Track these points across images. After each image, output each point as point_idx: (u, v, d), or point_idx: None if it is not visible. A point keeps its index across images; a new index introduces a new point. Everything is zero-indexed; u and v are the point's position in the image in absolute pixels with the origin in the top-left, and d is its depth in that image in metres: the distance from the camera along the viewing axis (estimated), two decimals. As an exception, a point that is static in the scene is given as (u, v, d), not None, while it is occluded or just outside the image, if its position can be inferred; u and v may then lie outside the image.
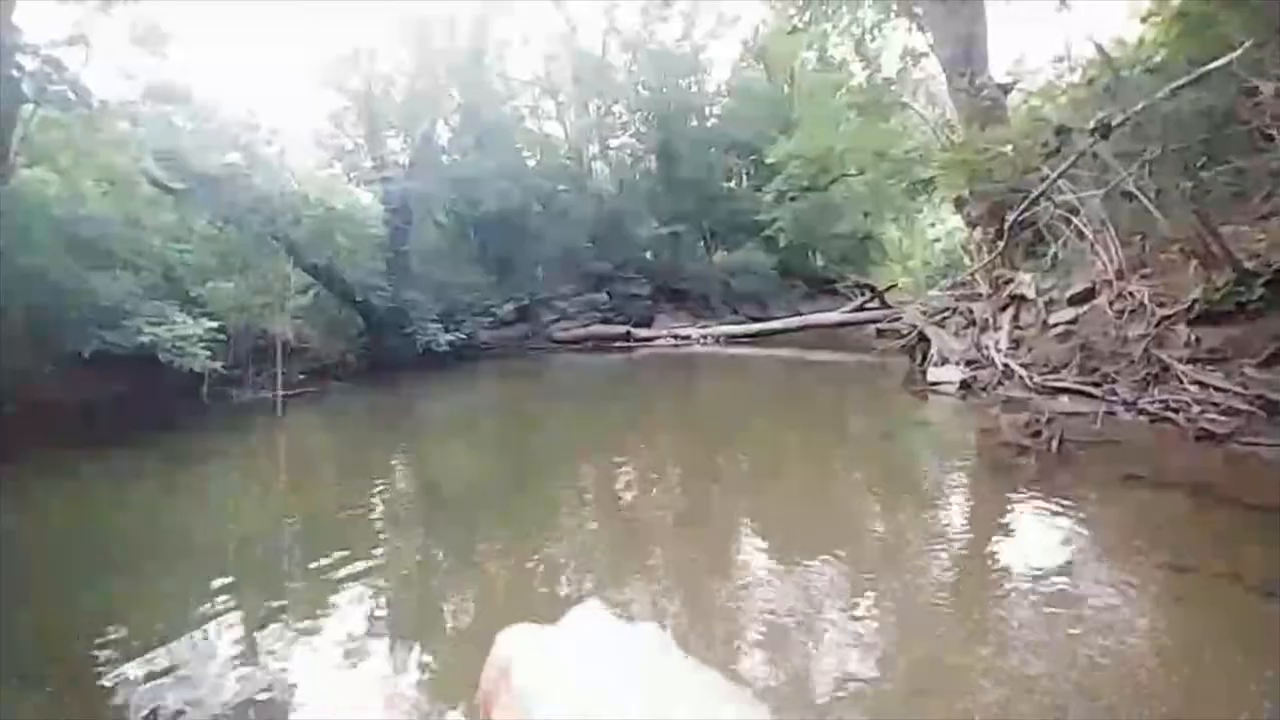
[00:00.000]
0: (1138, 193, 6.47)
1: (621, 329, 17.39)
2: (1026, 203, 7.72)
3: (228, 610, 3.26)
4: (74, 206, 8.40)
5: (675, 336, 16.98)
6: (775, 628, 2.87)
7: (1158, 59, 6.92)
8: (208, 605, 3.29)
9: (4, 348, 6.99)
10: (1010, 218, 8.34)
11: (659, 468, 5.95)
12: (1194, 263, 6.32)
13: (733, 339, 16.25)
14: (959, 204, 10.77)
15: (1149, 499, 4.15)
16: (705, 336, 16.54)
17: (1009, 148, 7.63)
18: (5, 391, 6.82)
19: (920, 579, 3.31)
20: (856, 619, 2.93)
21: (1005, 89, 10.24)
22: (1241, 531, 3.62)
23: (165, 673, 2.71)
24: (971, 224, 10.44)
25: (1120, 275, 6.94)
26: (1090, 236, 7.37)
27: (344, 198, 12.89)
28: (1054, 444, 5.18)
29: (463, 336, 13.84)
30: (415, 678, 2.72)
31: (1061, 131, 6.49)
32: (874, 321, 13.69)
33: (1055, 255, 8.28)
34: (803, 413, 8.19)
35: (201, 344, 8.22)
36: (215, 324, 8.62)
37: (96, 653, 2.90)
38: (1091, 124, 5.92)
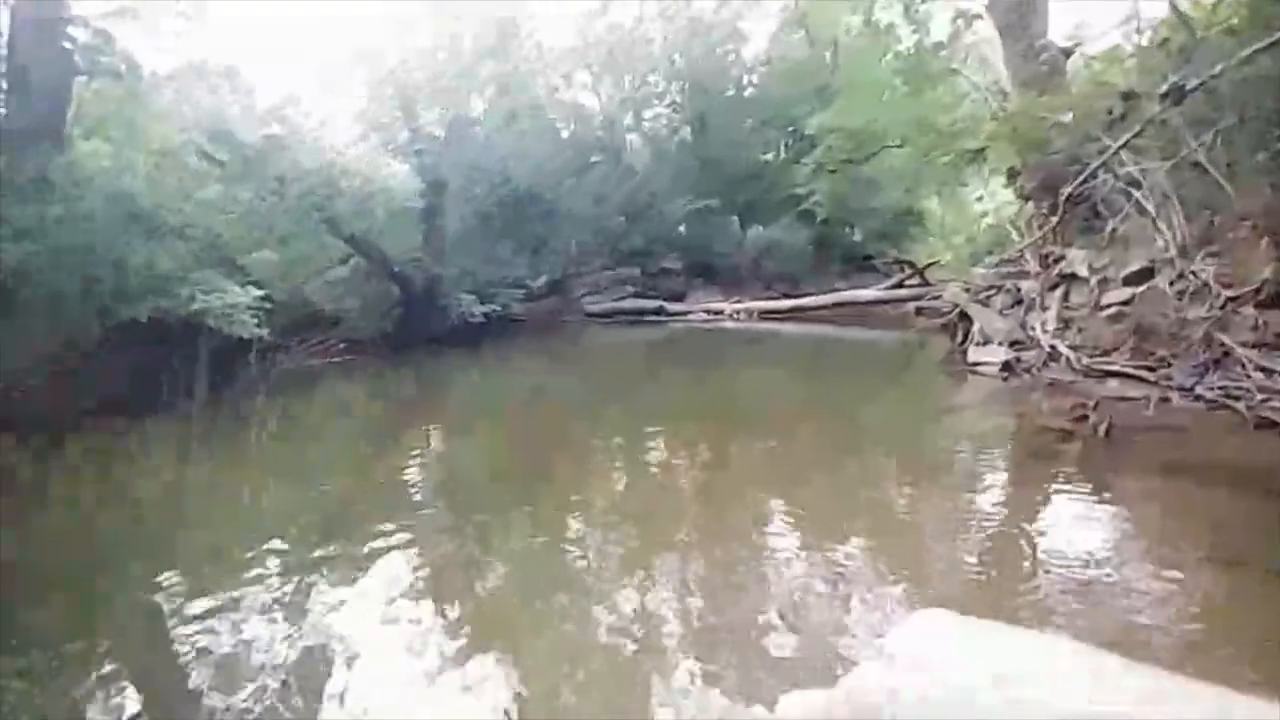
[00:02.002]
0: (1208, 165, 6.07)
1: (654, 303, 17.31)
2: (1086, 173, 7.32)
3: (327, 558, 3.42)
4: (128, 178, 8.68)
5: (708, 312, 16.84)
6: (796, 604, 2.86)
7: (1235, 21, 6.40)
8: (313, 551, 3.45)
9: (61, 315, 7.34)
10: (1066, 190, 7.93)
11: (683, 451, 5.94)
12: (1265, 241, 5.92)
13: (766, 315, 16.02)
14: (1012, 176, 10.27)
15: (1200, 489, 3.97)
16: (738, 312, 16.35)
17: (1069, 115, 7.21)
18: (64, 357, 7.18)
19: (952, 572, 3.24)
20: (872, 607, 2.89)
21: (1066, 53, 9.64)
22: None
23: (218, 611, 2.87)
24: (1025, 197, 9.96)
25: (1183, 253, 6.56)
26: (1152, 211, 6.96)
27: (381, 170, 13.02)
28: (1101, 429, 4.99)
29: (496, 309, 13.97)
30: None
31: (1129, 97, 6.09)
32: (913, 299, 13.32)
33: (1113, 231, 7.86)
34: (835, 393, 8.06)
35: (249, 311, 8.48)
36: (260, 293, 8.88)
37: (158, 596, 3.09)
38: (1163, 88, 5.53)
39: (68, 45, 8.04)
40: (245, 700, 2.36)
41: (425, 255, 13.08)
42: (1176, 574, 2.96)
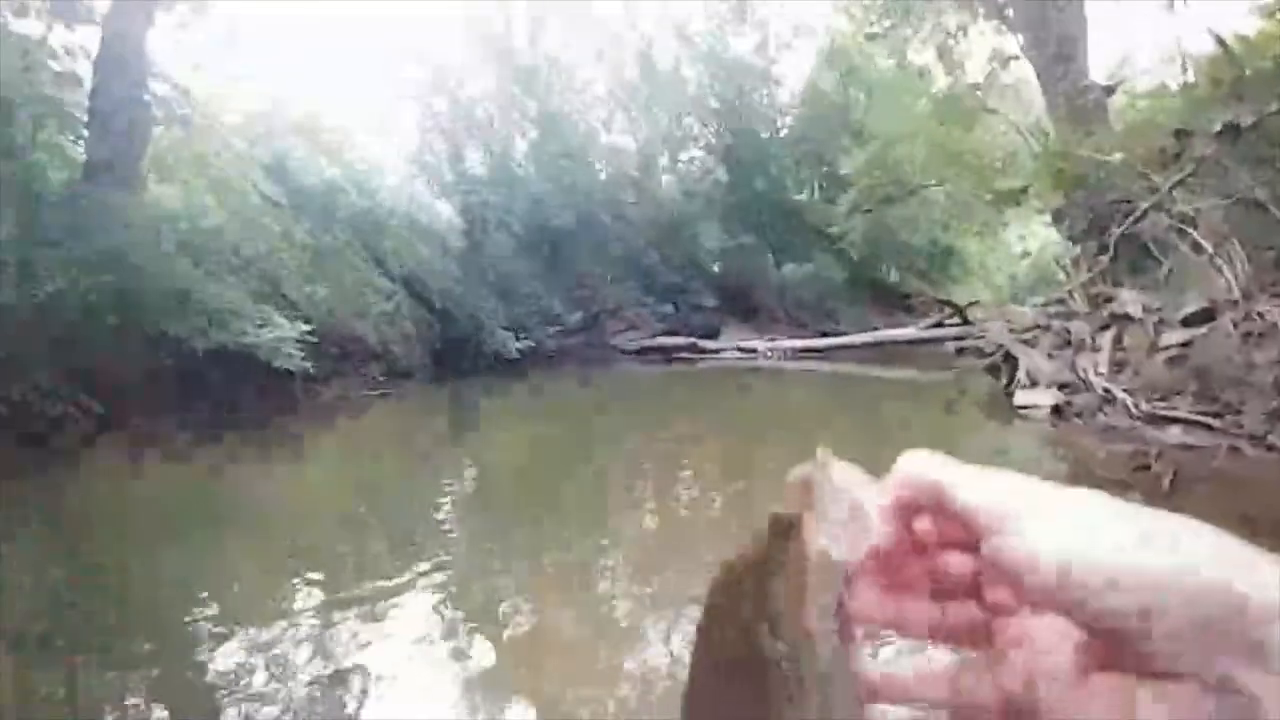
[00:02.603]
0: (1268, 203, 5.85)
1: (687, 340, 17.33)
2: (1139, 213, 7.14)
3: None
4: (196, 218, 9.24)
5: (741, 349, 16.76)
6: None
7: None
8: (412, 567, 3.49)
9: (129, 345, 7.76)
10: (1116, 230, 7.73)
11: (707, 489, 5.84)
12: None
13: (801, 353, 15.86)
14: (1058, 217, 10.08)
15: (1271, 545, 3.69)
16: (772, 350, 16.23)
17: (1117, 155, 7.09)
18: (130, 388, 7.55)
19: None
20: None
21: (1109, 90, 9.55)
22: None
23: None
24: (1070, 238, 9.74)
25: (1247, 295, 6.28)
26: (1210, 251, 6.72)
27: (426, 210, 13.57)
28: (1166, 481, 4.72)
29: (531, 344, 14.21)
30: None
31: (1181, 135, 5.96)
32: (953, 339, 13.01)
33: (1169, 272, 7.60)
34: (874, 434, 7.85)
35: (296, 344, 8.82)
36: (308, 327, 9.23)
37: (199, 611, 3.14)
38: (1218, 126, 5.40)
39: (147, 98, 8.72)
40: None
41: (464, 292, 13.46)
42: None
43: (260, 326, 8.46)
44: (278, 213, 10.70)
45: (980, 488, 0.27)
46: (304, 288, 10.43)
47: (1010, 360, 9.03)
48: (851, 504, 0.29)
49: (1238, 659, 0.22)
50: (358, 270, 11.35)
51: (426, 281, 12.69)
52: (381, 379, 11.13)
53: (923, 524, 0.29)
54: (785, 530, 0.28)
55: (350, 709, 2.49)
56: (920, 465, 0.29)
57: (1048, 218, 11.27)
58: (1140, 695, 0.24)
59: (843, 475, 0.30)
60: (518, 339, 13.78)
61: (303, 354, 8.96)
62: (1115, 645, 0.24)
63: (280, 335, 8.63)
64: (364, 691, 2.60)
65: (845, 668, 0.28)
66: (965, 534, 0.27)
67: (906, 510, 0.29)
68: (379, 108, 16.82)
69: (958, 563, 0.29)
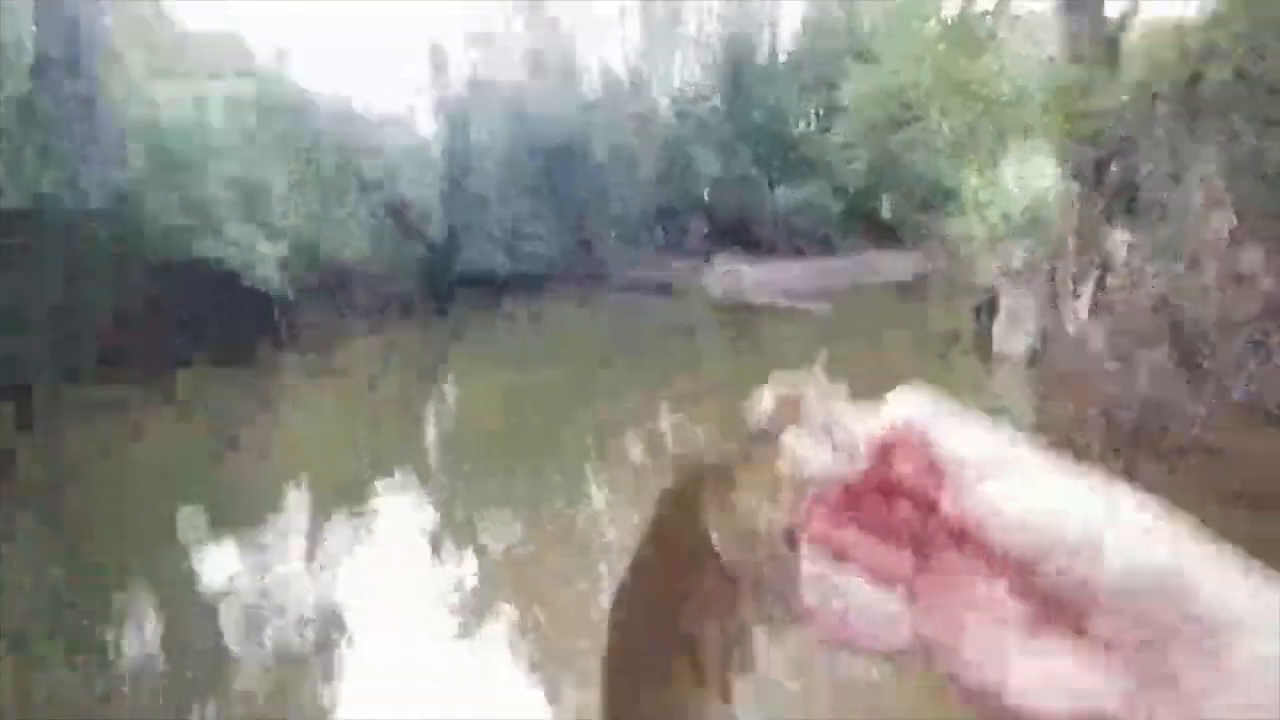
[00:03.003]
0: (1264, 148, 5.74)
1: (681, 267, 17.18)
2: (1141, 154, 6.98)
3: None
4: (158, 122, 8.63)
5: (734, 278, 16.67)
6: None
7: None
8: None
9: (95, 258, 7.40)
10: (1115, 170, 7.59)
11: (693, 413, 5.96)
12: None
13: (792, 286, 15.81)
14: (1061, 153, 9.83)
15: (1221, 483, 3.91)
16: (765, 281, 16.17)
17: (1124, 96, 6.83)
18: (98, 303, 7.31)
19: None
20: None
21: (1123, 25, 9.08)
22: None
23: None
24: (1072, 176, 9.55)
25: (1235, 241, 6.27)
26: (1204, 197, 6.64)
27: (409, 126, 12.96)
28: (1129, 424, 4.89)
29: (521, 270, 14.02)
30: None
31: (1194, 80, 5.74)
32: (943, 277, 12.96)
33: (1159, 217, 7.53)
34: (854, 369, 7.97)
35: (277, 265, 8.62)
36: (288, 248, 9.00)
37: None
38: (1227, 72, 5.20)
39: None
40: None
41: (451, 213, 13.09)
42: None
43: (236, 244, 8.23)
44: (246, 119, 10.14)
45: (963, 438, 0.27)
46: (280, 206, 10.08)
47: (995, 300, 9.09)
48: (837, 427, 0.29)
49: (1180, 645, 0.22)
50: (337, 188, 10.95)
51: (411, 203, 12.32)
52: (365, 302, 11.00)
53: (903, 466, 0.29)
54: (762, 440, 0.29)
55: (340, 615, 2.64)
56: (910, 404, 0.28)
57: (1049, 155, 10.99)
58: (1072, 662, 0.24)
59: (831, 398, 0.30)
60: (503, 262, 13.58)
61: (282, 277, 8.78)
62: (1056, 611, 0.25)
63: (260, 254, 8.42)
64: (352, 597, 2.76)
65: (792, 582, 0.29)
66: (934, 480, 0.27)
67: (888, 448, 0.29)
68: (361, 23, 15.64)
69: (919, 508, 0.29)
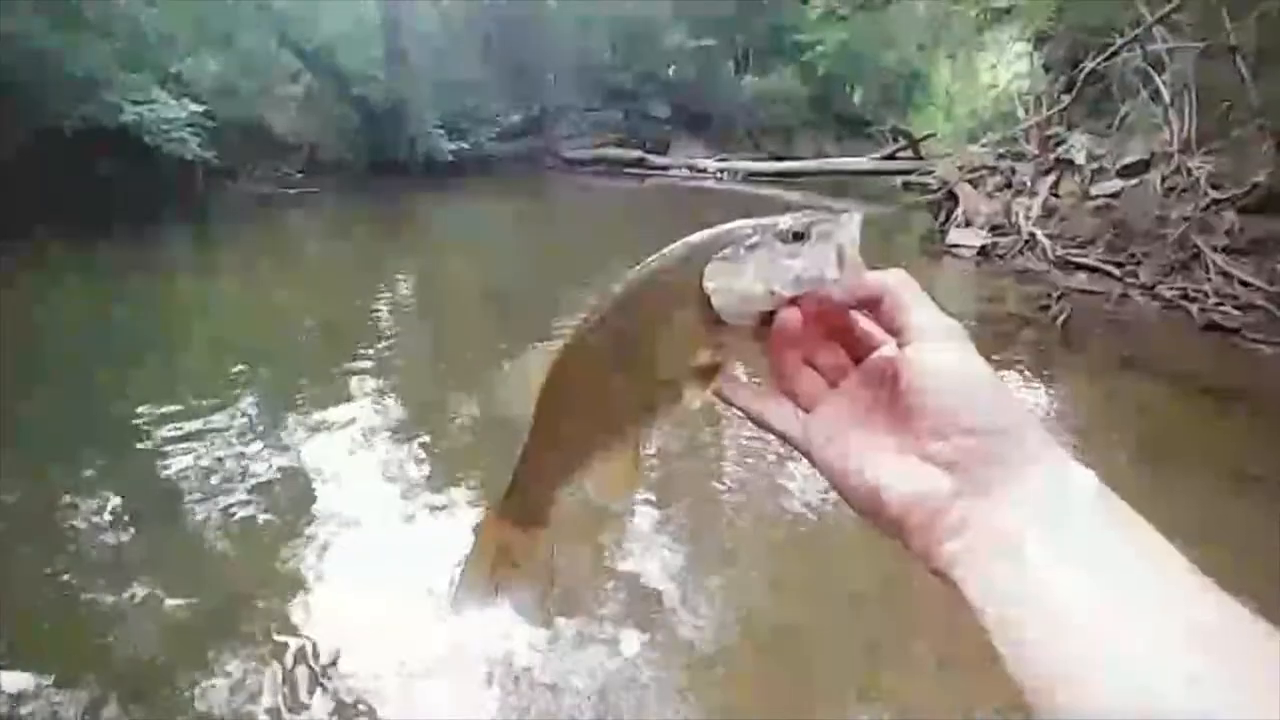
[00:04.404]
0: (1238, 52, 5.68)
1: (635, 154, 16.36)
2: (1115, 48, 6.81)
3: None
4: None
5: (691, 168, 16.05)
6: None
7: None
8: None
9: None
10: (1088, 64, 7.42)
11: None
12: (1268, 143, 5.76)
13: (752, 176, 15.37)
14: (1040, 41, 9.52)
15: (1137, 384, 4.23)
16: (723, 172, 15.64)
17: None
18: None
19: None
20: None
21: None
22: (1218, 421, 3.74)
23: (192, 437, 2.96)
24: (1046, 67, 9.33)
25: (1185, 148, 6.37)
26: (1167, 99, 6.62)
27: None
28: (1059, 320, 5.16)
29: (465, 146, 13.02)
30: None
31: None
32: (904, 172, 12.86)
33: (1122, 118, 7.52)
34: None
35: (189, 129, 7.69)
36: (200, 108, 7.99)
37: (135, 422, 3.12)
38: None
39: None
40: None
41: (386, 76, 11.79)
42: (1100, 464, 3.24)
43: (139, 103, 7.26)
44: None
45: (928, 313, 0.35)
46: (187, 58, 8.83)
47: (952, 198, 9.12)
48: (846, 256, 0.37)
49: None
50: (252, 40, 9.60)
51: (339, 60, 10.99)
52: (298, 175, 10.09)
53: (868, 321, 0.38)
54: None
55: (299, 495, 2.63)
56: (896, 276, 0.36)
57: (1023, 46, 10.64)
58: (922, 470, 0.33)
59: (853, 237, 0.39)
60: (451, 140, 12.55)
61: (199, 140, 7.87)
62: (901, 420, 0.33)
63: (166, 115, 7.47)
64: (312, 480, 2.73)
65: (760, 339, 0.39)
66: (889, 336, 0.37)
67: (870, 300, 0.36)
68: None
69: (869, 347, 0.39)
